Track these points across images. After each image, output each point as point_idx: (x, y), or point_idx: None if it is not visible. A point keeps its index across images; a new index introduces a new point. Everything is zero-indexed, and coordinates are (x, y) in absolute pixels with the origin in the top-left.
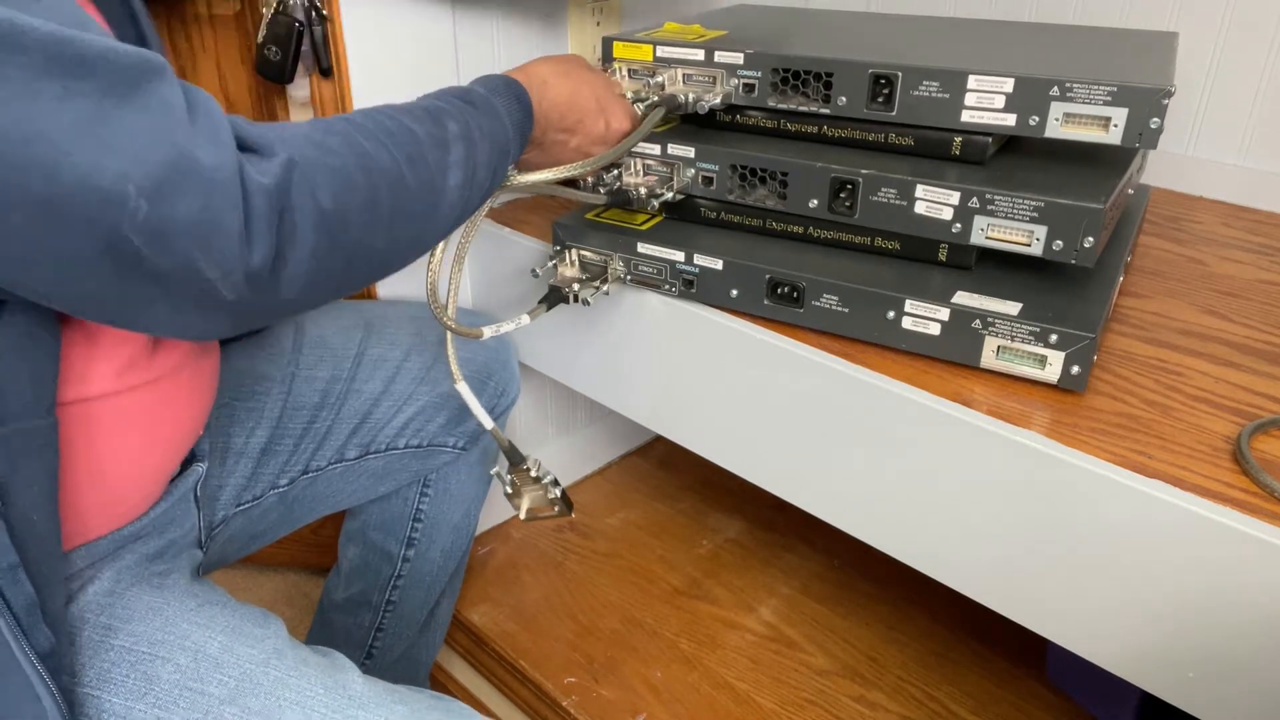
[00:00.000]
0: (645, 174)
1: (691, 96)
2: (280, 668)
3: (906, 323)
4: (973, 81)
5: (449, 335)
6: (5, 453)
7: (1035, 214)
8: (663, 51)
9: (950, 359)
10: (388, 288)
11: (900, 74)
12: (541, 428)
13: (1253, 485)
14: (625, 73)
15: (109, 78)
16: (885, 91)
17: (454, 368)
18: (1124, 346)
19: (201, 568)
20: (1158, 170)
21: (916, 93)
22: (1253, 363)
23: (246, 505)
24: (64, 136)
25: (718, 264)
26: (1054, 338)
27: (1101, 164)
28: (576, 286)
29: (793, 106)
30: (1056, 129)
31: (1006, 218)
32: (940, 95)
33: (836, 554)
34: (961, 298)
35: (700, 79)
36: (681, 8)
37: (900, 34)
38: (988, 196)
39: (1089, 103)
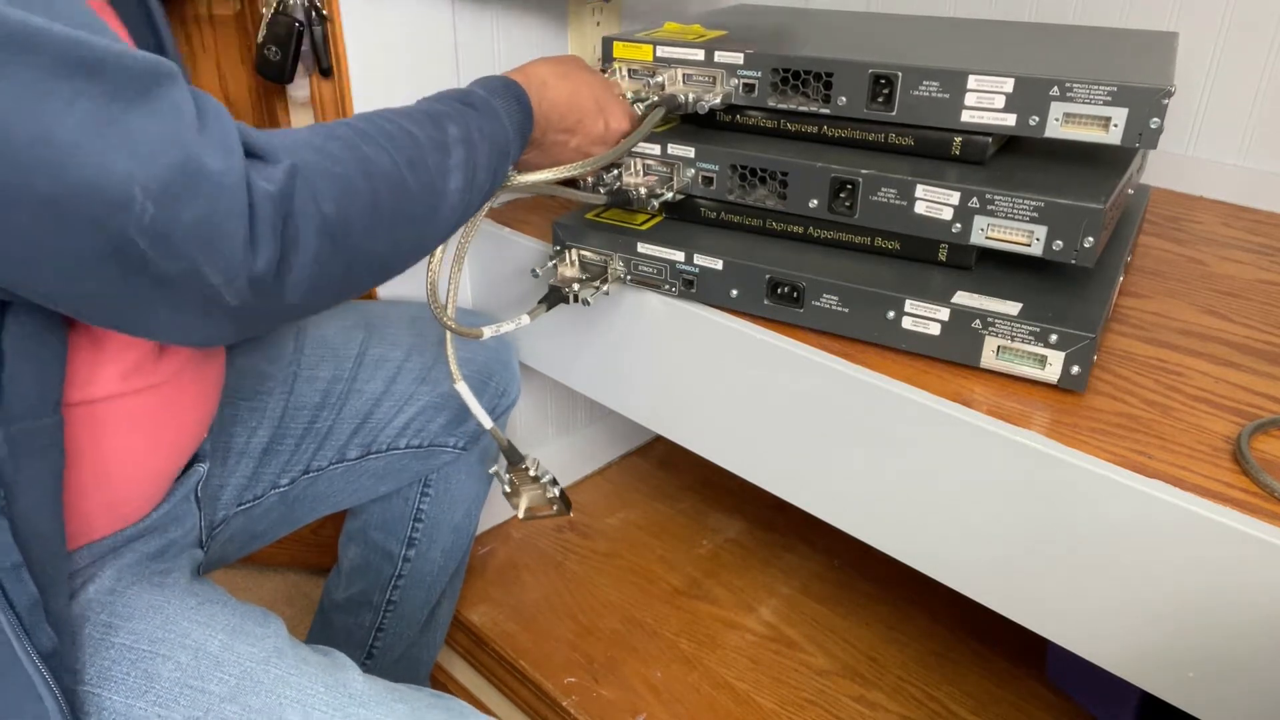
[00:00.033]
0: (645, 174)
1: (691, 96)
2: (281, 666)
3: (906, 323)
4: (973, 81)
5: (448, 335)
6: (10, 451)
7: (1035, 214)
8: (663, 51)
9: (950, 359)
10: (388, 288)
11: (900, 74)
12: (541, 428)
13: (1253, 485)
14: (625, 73)
15: (119, 81)
16: (885, 91)
17: (453, 367)
18: (1124, 346)
19: (202, 567)
20: (1158, 170)
21: (916, 93)
22: (1253, 363)
23: (247, 505)
24: (73, 137)
25: (718, 264)
26: (1054, 338)
27: (1101, 164)
28: (576, 286)
29: (793, 106)
30: (1056, 129)
31: (1006, 218)
32: (940, 95)
33: (836, 554)
34: (961, 298)
35: (700, 79)
36: (681, 7)
37: (900, 34)
38: (988, 196)
39: (1089, 103)
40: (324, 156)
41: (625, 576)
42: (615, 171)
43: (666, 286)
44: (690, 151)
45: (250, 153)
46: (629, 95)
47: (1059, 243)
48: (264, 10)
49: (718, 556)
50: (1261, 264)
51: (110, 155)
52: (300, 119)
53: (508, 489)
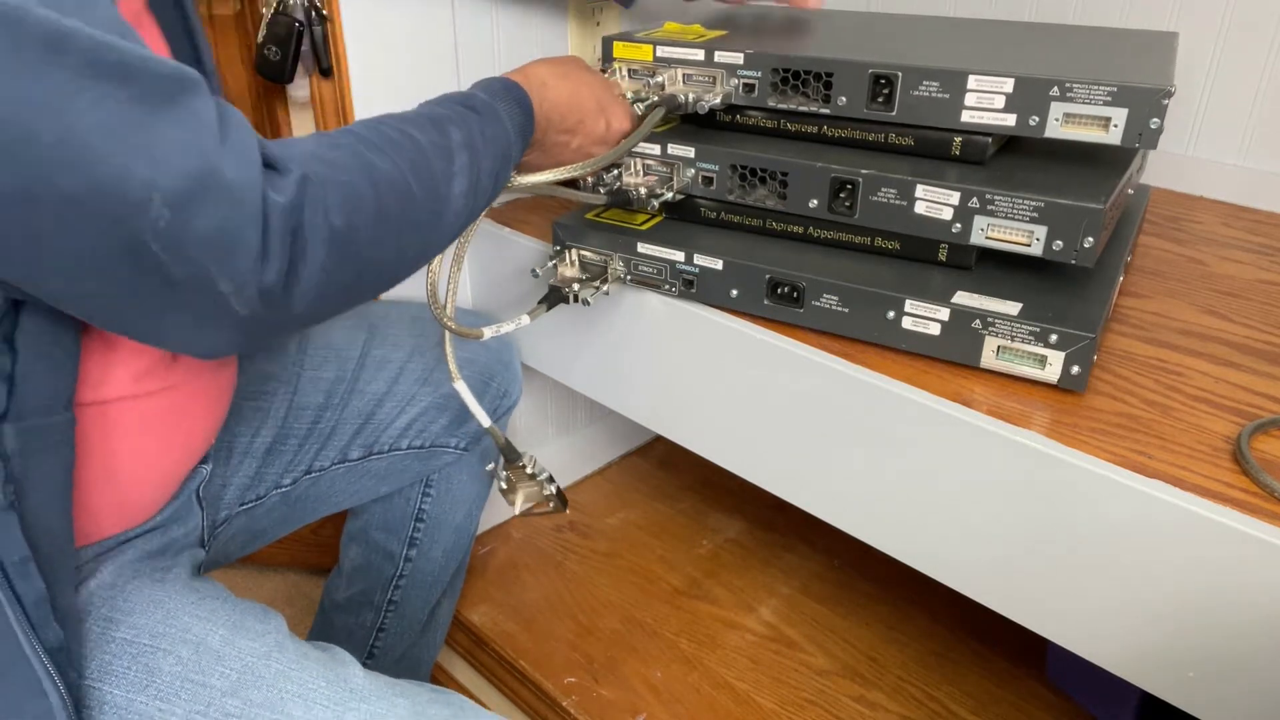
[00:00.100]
0: (645, 174)
1: (691, 96)
2: (282, 661)
3: (906, 323)
4: (973, 81)
5: (447, 335)
6: (22, 447)
7: (1035, 214)
8: (663, 51)
9: (950, 359)
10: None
11: (900, 74)
12: (541, 428)
13: (1253, 485)
14: (625, 73)
15: (145, 86)
16: (885, 91)
17: (452, 367)
18: (1124, 346)
19: (202, 566)
20: (1158, 170)
21: (916, 93)
22: (1253, 363)
23: (249, 505)
24: (96, 139)
25: (718, 264)
26: (1054, 338)
27: (1101, 164)
28: (576, 286)
29: (793, 106)
30: (1056, 129)
31: (1006, 218)
32: (940, 95)
33: (836, 554)
34: (961, 298)
35: (700, 79)
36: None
37: (900, 34)
38: (988, 196)
39: (1089, 103)
40: (330, 167)
41: (625, 576)
42: (615, 171)
43: (666, 286)
44: (690, 151)
45: (265, 164)
46: (629, 95)
47: (1059, 243)
48: (264, 10)
49: (718, 556)
50: (1261, 264)
51: (131, 159)
52: (300, 119)
53: (504, 486)
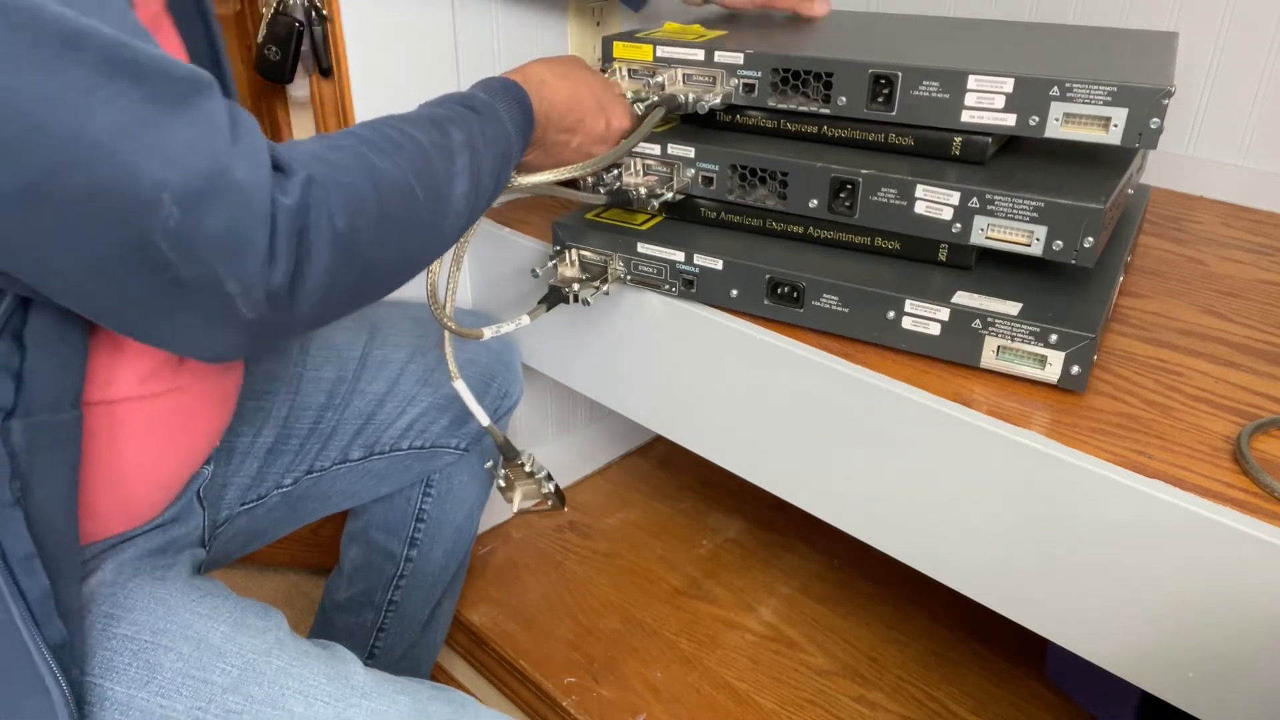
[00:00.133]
0: (645, 174)
1: (691, 96)
2: (283, 657)
3: (906, 323)
4: (973, 81)
5: (447, 335)
6: (29, 443)
7: (1035, 214)
8: (663, 51)
9: (950, 359)
10: None
11: (900, 74)
12: (541, 428)
13: (1253, 485)
14: (625, 73)
15: (159, 86)
16: (885, 91)
17: (452, 367)
18: (1124, 346)
19: (203, 566)
20: (1158, 170)
21: (916, 93)
22: (1253, 363)
23: (251, 504)
24: (109, 137)
25: (718, 264)
26: (1054, 338)
27: (1101, 164)
28: (576, 286)
29: (793, 106)
30: (1056, 129)
31: (1006, 218)
32: (940, 95)
33: (836, 554)
34: (961, 298)
35: (700, 79)
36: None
37: (900, 34)
38: (988, 196)
39: (1089, 103)
40: (334, 169)
41: (625, 576)
42: (615, 171)
43: (666, 286)
44: (690, 151)
45: (273, 166)
46: (629, 95)
47: (1059, 243)
48: (264, 10)
49: (718, 556)
50: (1261, 264)
51: (143, 157)
52: (300, 119)
53: (503, 484)
